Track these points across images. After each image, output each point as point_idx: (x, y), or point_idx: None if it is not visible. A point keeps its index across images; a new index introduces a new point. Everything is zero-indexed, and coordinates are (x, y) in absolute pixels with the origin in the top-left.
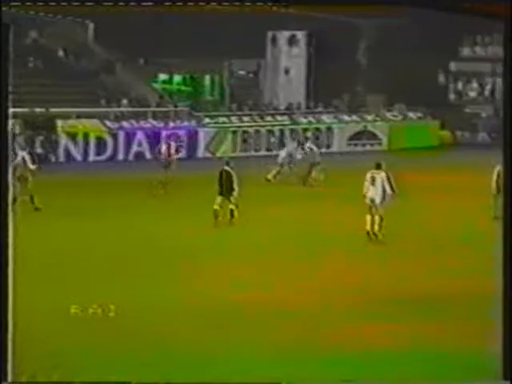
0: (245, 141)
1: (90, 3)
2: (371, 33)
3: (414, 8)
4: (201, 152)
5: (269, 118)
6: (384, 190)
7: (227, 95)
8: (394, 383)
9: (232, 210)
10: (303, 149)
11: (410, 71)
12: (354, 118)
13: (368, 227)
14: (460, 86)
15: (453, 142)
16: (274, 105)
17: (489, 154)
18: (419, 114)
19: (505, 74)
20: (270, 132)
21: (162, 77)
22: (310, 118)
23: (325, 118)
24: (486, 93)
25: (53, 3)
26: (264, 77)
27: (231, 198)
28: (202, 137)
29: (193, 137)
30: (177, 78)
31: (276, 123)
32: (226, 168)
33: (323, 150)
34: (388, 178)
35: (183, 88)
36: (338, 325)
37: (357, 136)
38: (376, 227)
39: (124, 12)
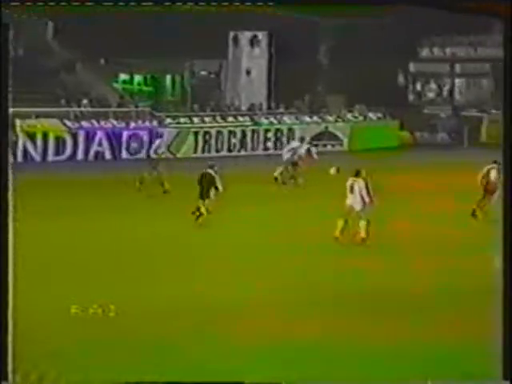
0: (206, 142)
1: (90, 3)
2: (332, 33)
3: (409, 6)
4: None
5: (230, 119)
6: (363, 198)
7: (189, 96)
8: (393, 383)
9: (199, 208)
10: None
11: (371, 72)
12: (315, 118)
13: (337, 233)
14: (419, 86)
15: (412, 142)
16: (235, 105)
17: (448, 154)
18: (379, 115)
19: (505, 73)
20: (232, 133)
21: (123, 77)
22: (272, 119)
23: (286, 118)
24: (445, 93)
25: (52, 3)
26: (226, 77)
27: (207, 201)
28: (164, 137)
29: (154, 137)
30: (138, 78)
31: (237, 124)
32: (209, 171)
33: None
34: (366, 186)
35: (144, 88)
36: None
37: (318, 137)
38: (363, 233)
39: (85, 12)
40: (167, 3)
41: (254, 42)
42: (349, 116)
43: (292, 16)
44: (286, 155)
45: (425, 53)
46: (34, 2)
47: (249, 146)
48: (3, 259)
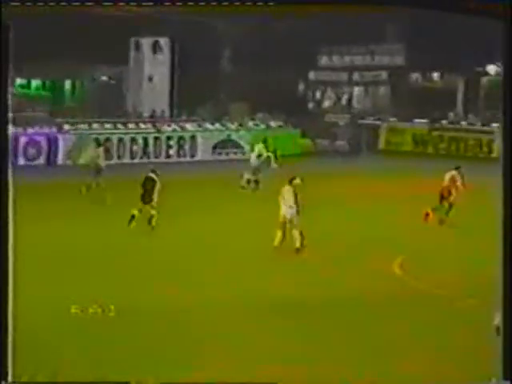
0: (107, 149)
1: (89, 3)
2: (235, 40)
3: (412, 9)
4: (61, 159)
5: (132, 126)
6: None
7: (89, 101)
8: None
9: (152, 216)
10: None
11: (272, 80)
12: (218, 126)
13: (276, 243)
14: (318, 94)
15: (313, 150)
16: (137, 112)
17: (348, 161)
18: (280, 123)
19: (505, 74)
20: (134, 140)
21: (20, 81)
22: (174, 127)
23: (189, 126)
24: (343, 101)
25: (52, 3)
26: (127, 84)
27: (152, 204)
28: (63, 144)
29: (52, 143)
30: (35, 82)
31: (139, 131)
32: (151, 175)
33: (188, 160)
34: (295, 194)
35: (43, 93)
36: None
37: (221, 145)
38: (297, 243)
39: None
40: (167, 3)
41: (156, 47)
42: (251, 124)
43: (196, 21)
44: (255, 162)
45: (324, 61)
46: (34, 2)
47: (151, 153)
48: (3, 259)
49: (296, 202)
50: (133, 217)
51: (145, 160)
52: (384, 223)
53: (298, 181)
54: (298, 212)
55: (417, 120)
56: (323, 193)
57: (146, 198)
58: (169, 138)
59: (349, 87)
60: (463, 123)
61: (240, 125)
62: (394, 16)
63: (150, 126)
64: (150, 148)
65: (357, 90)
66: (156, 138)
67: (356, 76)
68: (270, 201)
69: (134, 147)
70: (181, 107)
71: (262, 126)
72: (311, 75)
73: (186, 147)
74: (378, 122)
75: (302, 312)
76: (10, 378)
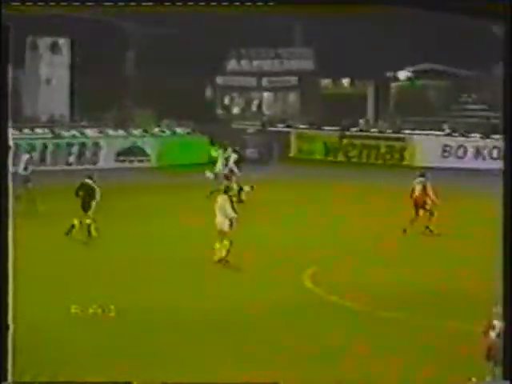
0: None
1: (90, 3)
2: (141, 42)
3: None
4: None
5: (27, 131)
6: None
7: None
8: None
9: (89, 225)
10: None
11: (179, 85)
12: (122, 132)
13: (216, 257)
14: (227, 100)
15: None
16: (33, 117)
17: (258, 169)
18: (188, 130)
19: (505, 74)
20: (30, 146)
21: None
22: (74, 132)
23: (90, 132)
24: (253, 108)
25: (53, 3)
26: (23, 86)
27: (89, 213)
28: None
29: None
30: None
31: (36, 136)
32: (87, 181)
33: (90, 167)
34: (231, 201)
35: None
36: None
37: (125, 152)
38: (224, 252)
39: None
40: (167, 3)
41: (54, 48)
42: (156, 131)
43: (99, 21)
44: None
45: (232, 66)
46: (34, 2)
47: (49, 160)
48: (3, 259)
49: (233, 208)
50: (72, 226)
51: (42, 168)
52: (295, 233)
53: (247, 188)
54: (231, 222)
55: (327, 127)
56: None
57: (85, 206)
58: (69, 145)
59: (258, 93)
60: (374, 130)
61: (145, 131)
62: (303, 20)
63: (47, 131)
64: (48, 154)
65: (266, 95)
66: (55, 145)
67: (265, 81)
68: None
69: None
70: (82, 112)
71: (169, 133)
72: (219, 80)
73: (88, 154)
74: (288, 129)
75: (212, 325)
76: (9, 378)
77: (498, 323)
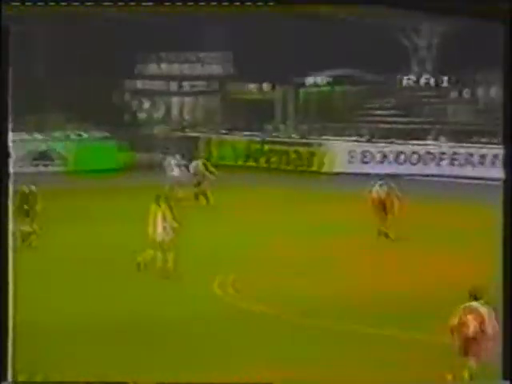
0: None
1: (89, 3)
2: (53, 44)
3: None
4: None
5: None
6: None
7: None
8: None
9: (29, 233)
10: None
11: (94, 88)
12: (37, 136)
13: (159, 266)
14: (139, 105)
15: (136, 163)
16: None
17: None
18: (101, 135)
19: (505, 74)
20: None
21: None
22: None
23: None
24: (173, 112)
25: (52, 3)
26: None
27: (28, 220)
28: None
29: None
30: None
31: None
32: (27, 187)
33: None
34: (171, 209)
35: None
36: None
37: (40, 156)
38: (170, 263)
39: None
40: (167, 3)
41: None
42: (71, 135)
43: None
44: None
45: (151, 69)
46: (34, 2)
47: None
48: (3, 260)
49: (174, 217)
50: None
51: None
52: (208, 240)
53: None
54: (174, 229)
55: (239, 132)
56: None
57: (28, 212)
58: None
59: (168, 97)
60: (293, 135)
61: (57, 136)
62: (221, 24)
63: None
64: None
65: (182, 100)
66: None
67: (185, 85)
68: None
69: None
70: None
71: (81, 138)
72: (136, 84)
73: None
74: (208, 135)
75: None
76: (9, 378)
77: (471, 318)
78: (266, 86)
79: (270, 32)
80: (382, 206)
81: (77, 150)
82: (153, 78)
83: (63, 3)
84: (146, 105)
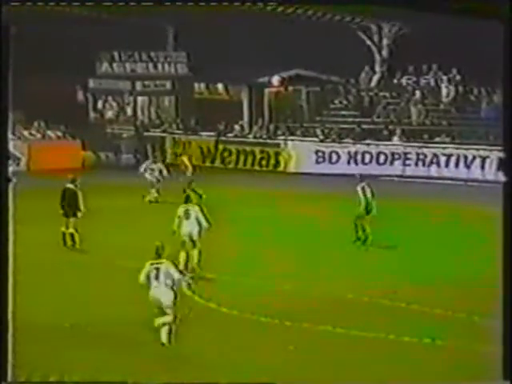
0: None
1: (89, 3)
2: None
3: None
4: None
5: None
6: (199, 224)
7: None
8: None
9: (72, 235)
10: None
11: (50, 87)
12: None
13: (182, 265)
14: (100, 104)
15: (96, 163)
16: None
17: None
18: (59, 133)
19: (505, 74)
20: None
21: None
22: None
23: None
24: (127, 112)
25: (52, 3)
26: None
27: (71, 220)
28: None
29: None
30: None
31: None
32: (70, 186)
33: None
34: (201, 211)
35: None
36: None
37: None
38: (195, 261)
39: None
40: (167, 3)
41: None
42: (26, 134)
43: None
44: (150, 176)
45: (104, 68)
46: (34, 2)
47: None
48: (3, 259)
49: (206, 219)
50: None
51: None
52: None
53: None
54: (205, 230)
55: (203, 132)
56: (108, 208)
57: (69, 212)
58: None
59: (132, 97)
60: (249, 136)
61: (14, 134)
62: (176, 23)
63: None
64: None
65: (140, 99)
66: None
67: (138, 85)
68: None
69: None
70: None
71: (39, 136)
72: (91, 83)
73: None
74: (163, 134)
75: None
76: (9, 378)
77: None
78: (230, 87)
79: (234, 31)
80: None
81: (32, 148)
82: (118, 77)
83: (63, 3)
84: (100, 104)
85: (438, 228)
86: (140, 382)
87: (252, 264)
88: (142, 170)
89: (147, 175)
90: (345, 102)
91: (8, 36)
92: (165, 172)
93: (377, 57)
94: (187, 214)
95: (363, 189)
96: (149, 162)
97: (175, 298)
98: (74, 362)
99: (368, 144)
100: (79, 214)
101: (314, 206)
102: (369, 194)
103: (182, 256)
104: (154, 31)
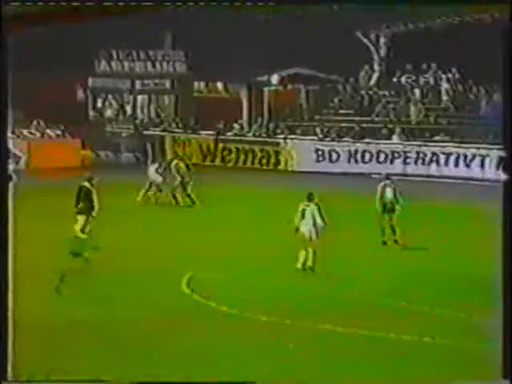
0: None
1: (89, 3)
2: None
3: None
4: None
5: None
6: (315, 223)
7: None
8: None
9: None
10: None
11: (49, 86)
12: None
13: (300, 264)
14: (99, 103)
15: (96, 162)
16: None
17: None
18: (58, 132)
19: (504, 73)
20: None
21: None
22: None
23: None
24: (126, 111)
25: (52, 3)
26: None
27: (90, 218)
28: None
29: None
30: None
31: None
32: (85, 184)
33: None
34: (319, 210)
35: None
36: None
37: None
38: (310, 262)
39: None
40: (167, 3)
41: None
42: (25, 132)
43: None
44: (157, 177)
45: (104, 67)
46: (35, 2)
47: None
48: (3, 259)
49: (323, 218)
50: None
51: None
52: (175, 238)
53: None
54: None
55: (203, 131)
56: (111, 206)
57: (85, 210)
58: None
59: (131, 95)
60: (249, 135)
61: (14, 133)
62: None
63: None
64: None
65: (139, 98)
66: None
67: (138, 84)
68: None
69: None
70: None
71: (38, 135)
72: (90, 82)
73: None
74: (163, 133)
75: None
76: (9, 378)
77: None
78: (230, 85)
79: (234, 30)
80: (391, 208)
81: (31, 147)
82: (117, 76)
83: (63, 3)
84: (100, 103)
85: (437, 227)
86: (140, 381)
87: (251, 262)
88: (153, 169)
89: (156, 175)
90: (344, 101)
91: (8, 36)
92: (184, 169)
93: (376, 55)
94: (303, 213)
95: (383, 187)
96: (161, 161)
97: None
98: (75, 361)
99: (368, 143)
100: (93, 213)
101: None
102: (389, 194)
103: (302, 254)
104: (152, 30)
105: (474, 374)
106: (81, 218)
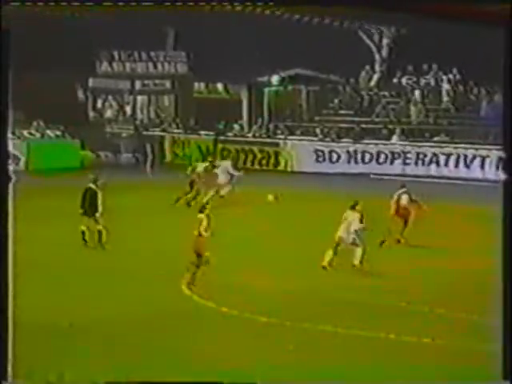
0: None
1: (89, 3)
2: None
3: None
4: None
5: None
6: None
7: None
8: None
9: (100, 232)
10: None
11: (49, 86)
12: None
13: (326, 263)
14: (99, 103)
15: (95, 162)
16: None
17: (133, 174)
18: (58, 133)
19: (505, 74)
20: None
21: None
22: None
23: None
24: (126, 111)
25: (52, 3)
26: None
27: (97, 219)
28: None
29: None
30: None
31: None
32: (91, 185)
33: None
34: (361, 218)
35: None
36: None
37: None
38: (357, 261)
39: None
40: (167, 3)
41: None
42: (25, 133)
43: None
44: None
45: (104, 68)
46: (34, 2)
47: None
48: (3, 259)
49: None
50: (83, 233)
51: None
52: (175, 238)
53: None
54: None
55: (202, 132)
56: (114, 207)
57: (89, 211)
58: None
59: (131, 96)
60: (249, 135)
61: (14, 134)
62: (176, 23)
63: None
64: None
65: (139, 99)
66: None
67: (138, 84)
68: None
69: None
70: None
71: (38, 136)
72: (91, 82)
73: None
74: (163, 134)
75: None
76: (9, 378)
77: None
78: (230, 86)
79: (234, 31)
80: (406, 215)
81: (31, 148)
82: (117, 76)
83: (63, 3)
84: (100, 103)
85: (437, 227)
86: (140, 381)
87: (252, 263)
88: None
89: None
90: (344, 102)
91: (8, 36)
92: (232, 171)
93: (376, 56)
94: (345, 219)
95: (399, 196)
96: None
97: None
98: (74, 361)
99: (367, 143)
100: (97, 215)
101: (314, 205)
102: (404, 201)
103: (329, 254)
104: (153, 30)
105: (474, 375)
106: (84, 218)
